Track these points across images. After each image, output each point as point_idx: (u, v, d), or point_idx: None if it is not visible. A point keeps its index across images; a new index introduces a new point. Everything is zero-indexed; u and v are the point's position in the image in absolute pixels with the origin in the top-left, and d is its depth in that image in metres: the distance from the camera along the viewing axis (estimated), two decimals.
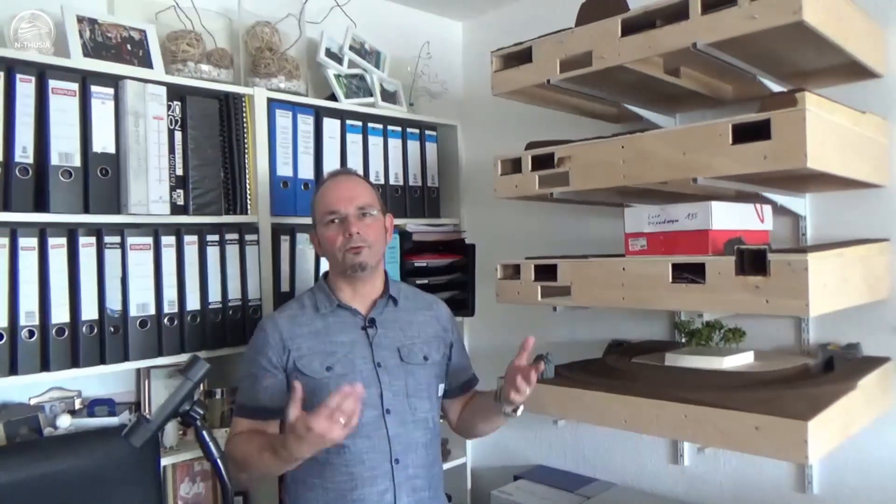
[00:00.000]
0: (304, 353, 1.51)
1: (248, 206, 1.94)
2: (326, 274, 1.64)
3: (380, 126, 2.29)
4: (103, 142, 1.68)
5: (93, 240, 1.66)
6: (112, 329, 1.67)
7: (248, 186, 1.94)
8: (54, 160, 1.60)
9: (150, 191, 1.73)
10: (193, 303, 1.81)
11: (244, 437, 1.49)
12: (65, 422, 1.67)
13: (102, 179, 1.67)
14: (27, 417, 1.63)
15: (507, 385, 1.44)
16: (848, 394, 1.43)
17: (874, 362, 1.65)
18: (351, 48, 2.27)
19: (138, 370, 1.88)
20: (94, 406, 1.75)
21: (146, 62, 1.80)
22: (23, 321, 1.55)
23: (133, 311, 1.70)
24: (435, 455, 1.62)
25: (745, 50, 1.46)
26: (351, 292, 1.58)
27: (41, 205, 1.60)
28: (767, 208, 1.72)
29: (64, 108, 1.62)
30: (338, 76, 2.22)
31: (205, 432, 1.31)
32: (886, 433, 1.70)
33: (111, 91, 1.70)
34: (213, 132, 1.88)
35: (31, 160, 1.59)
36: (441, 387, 1.66)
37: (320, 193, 1.59)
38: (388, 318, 1.59)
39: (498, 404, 1.50)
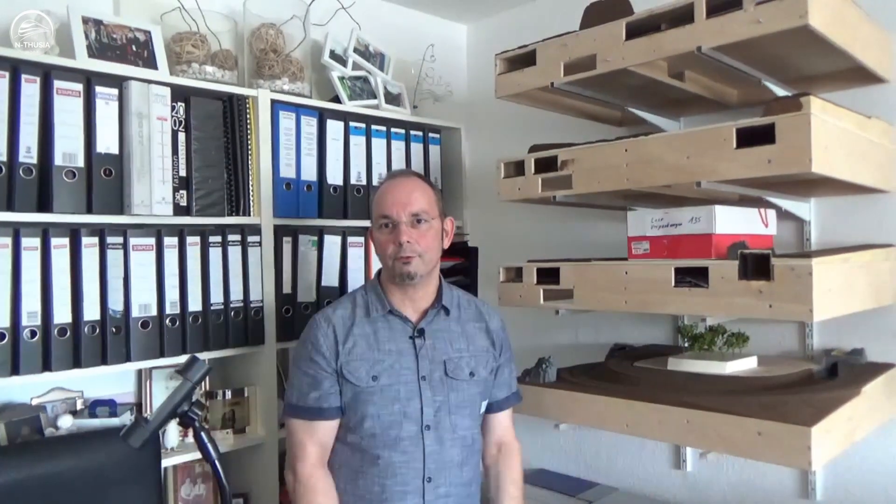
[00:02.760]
0: (353, 359, 1.47)
1: (251, 208, 1.94)
2: (380, 272, 1.59)
3: (383, 128, 2.28)
4: (107, 142, 1.68)
5: (95, 240, 1.66)
6: (114, 329, 1.67)
7: (251, 188, 1.94)
8: (58, 160, 1.60)
9: (154, 191, 1.73)
10: (195, 304, 1.81)
11: None
12: (66, 422, 1.67)
13: (106, 180, 1.68)
14: (29, 418, 1.63)
15: None
16: (852, 400, 1.42)
17: (879, 368, 1.64)
18: (355, 50, 2.27)
19: (140, 371, 1.88)
20: (95, 406, 1.75)
21: (151, 63, 1.80)
22: (25, 321, 1.55)
23: (135, 312, 1.70)
24: (472, 474, 1.55)
25: (750, 54, 1.46)
26: (401, 297, 1.54)
27: (44, 205, 1.60)
28: (771, 213, 1.71)
29: (68, 109, 1.62)
30: (342, 78, 2.22)
31: (203, 433, 1.31)
32: (891, 440, 1.69)
33: (115, 92, 1.70)
34: (216, 133, 1.88)
35: (35, 160, 1.59)
36: (484, 403, 1.59)
37: (379, 194, 1.54)
38: (438, 329, 1.54)
39: None
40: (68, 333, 1.61)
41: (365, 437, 1.46)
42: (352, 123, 2.19)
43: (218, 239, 1.86)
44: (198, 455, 1.56)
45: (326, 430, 1.49)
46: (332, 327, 1.50)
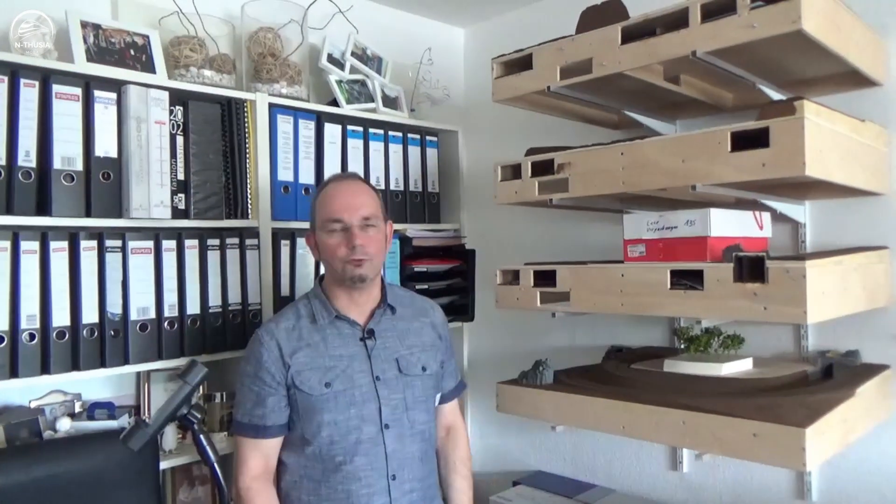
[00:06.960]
0: (303, 369, 1.47)
1: (249, 211, 1.95)
2: (322, 278, 1.60)
3: (381, 131, 2.29)
4: (106, 146, 1.69)
5: (94, 243, 1.66)
6: (112, 332, 1.67)
7: (249, 191, 1.95)
8: (57, 164, 1.61)
9: (152, 195, 1.74)
10: (194, 307, 1.81)
11: None
12: (65, 425, 1.67)
13: (104, 184, 1.68)
14: (27, 420, 1.63)
15: None
16: (847, 401, 1.43)
17: (873, 370, 1.65)
18: (353, 54, 2.28)
19: (138, 373, 1.89)
20: (94, 409, 1.75)
21: (149, 67, 1.80)
22: (24, 324, 1.56)
23: (133, 315, 1.70)
24: (431, 466, 1.60)
25: (744, 58, 1.47)
26: (348, 301, 1.54)
27: (43, 209, 1.61)
28: (766, 215, 1.72)
29: (67, 113, 1.63)
30: (339, 82, 2.23)
31: (202, 436, 1.32)
32: (885, 441, 1.70)
33: (114, 96, 1.71)
34: (214, 137, 1.89)
35: (33, 164, 1.59)
36: (438, 396, 1.64)
37: (324, 197, 1.53)
38: (386, 328, 1.56)
39: None
40: (67, 336, 1.61)
41: (324, 446, 1.46)
42: (349, 127, 2.20)
43: (216, 242, 1.86)
44: (196, 457, 1.57)
45: (270, 446, 1.50)
46: (275, 341, 1.49)
